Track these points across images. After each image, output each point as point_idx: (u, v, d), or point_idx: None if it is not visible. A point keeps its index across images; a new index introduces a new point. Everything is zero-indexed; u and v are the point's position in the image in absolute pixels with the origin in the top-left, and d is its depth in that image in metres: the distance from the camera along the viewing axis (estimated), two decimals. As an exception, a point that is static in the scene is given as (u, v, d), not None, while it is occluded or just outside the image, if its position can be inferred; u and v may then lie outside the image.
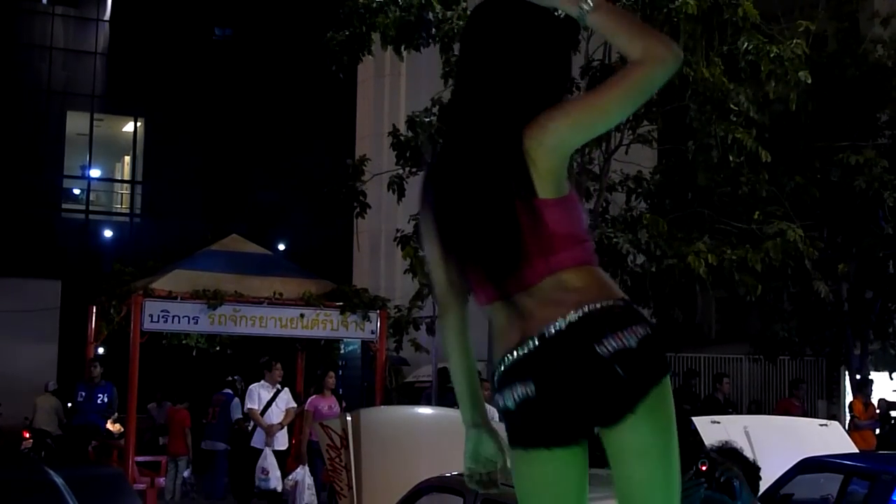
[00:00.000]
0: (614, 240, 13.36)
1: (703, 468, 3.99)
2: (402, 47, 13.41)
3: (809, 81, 13.05)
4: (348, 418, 7.71)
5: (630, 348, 2.50)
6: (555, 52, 2.75)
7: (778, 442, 8.70)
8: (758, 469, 4.29)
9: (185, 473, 15.56)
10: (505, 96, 2.68)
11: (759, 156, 13.22)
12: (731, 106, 13.22)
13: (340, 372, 15.18)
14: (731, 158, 13.40)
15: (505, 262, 2.62)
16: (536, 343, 2.54)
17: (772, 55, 12.91)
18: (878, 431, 15.82)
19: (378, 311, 13.56)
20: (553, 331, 2.53)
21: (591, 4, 2.58)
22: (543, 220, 2.61)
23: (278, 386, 13.03)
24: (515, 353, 2.57)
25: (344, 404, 13.42)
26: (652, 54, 2.54)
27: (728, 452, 4.24)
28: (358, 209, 14.35)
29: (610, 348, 2.49)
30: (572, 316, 2.53)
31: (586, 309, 2.53)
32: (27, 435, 16.41)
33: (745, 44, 13.08)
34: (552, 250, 2.60)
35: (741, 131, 13.10)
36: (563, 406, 2.53)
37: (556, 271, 2.60)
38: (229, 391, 15.29)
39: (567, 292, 2.57)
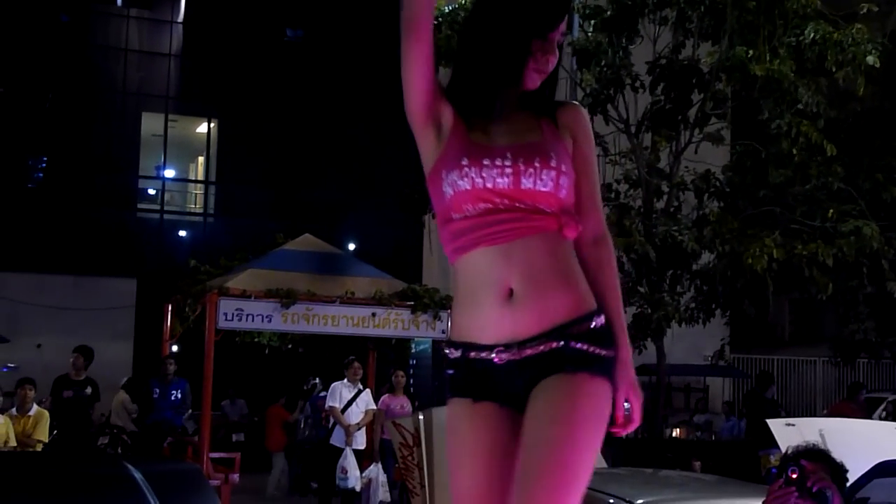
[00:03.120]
0: (679, 238, 13.25)
1: (794, 476, 3.72)
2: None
3: (878, 66, 12.82)
4: (420, 417, 7.75)
5: None
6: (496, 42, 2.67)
7: (854, 445, 8.56)
8: (845, 471, 4.05)
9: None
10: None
11: (825, 149, 13.04)
12: (799, 97, 13.09)
13: (411, 371, 15.25)
14: (793, 152, 13.25)
15: None
16: None
17: (838, 43, 12.73)
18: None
19: (449, 311, 13.57)
20: None
21: None
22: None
23: (360, 386, 13.14)
24: None
25: (417, 403, 13.47)
26: None
27: (816, 455, 3.96)
28: (432, 210, 14.43)
29: None
30: None
31: None
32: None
33: (811, 34, 12.90)
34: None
35: (806, 124, 12.94)
36: None
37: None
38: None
39: None
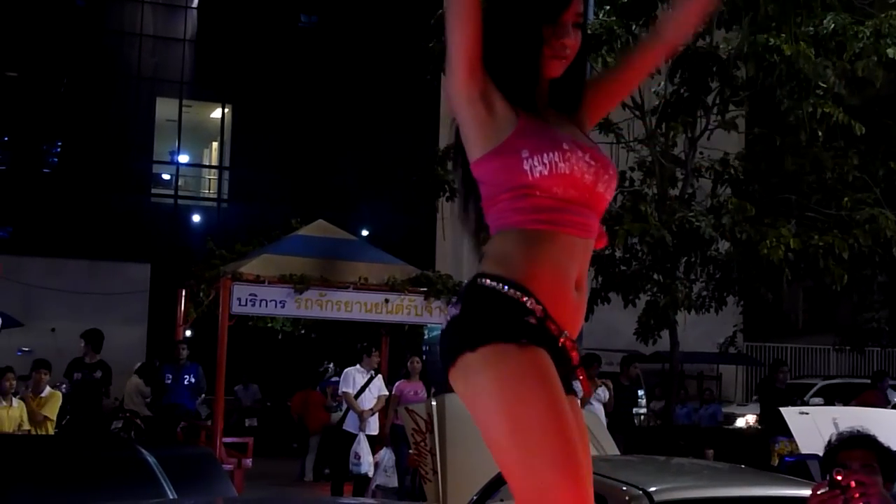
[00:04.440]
0: (696, 224, 13.22)
1: (838, 477, 3.22)
2: None
3: None
4: (433, 403, 7.76)
5: (444, 326, 2.65)
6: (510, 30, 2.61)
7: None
8: (893, 455, 3.61)
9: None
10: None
11: (853, 129, 12.95)
12: (820, 83, 13.00)
13: (424, 357, 15.23)
14: (819, 134, 13.17)
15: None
16: None
17: (860, 35, 12.65)
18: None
19: (461, 298, 13.53)
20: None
21: None
22: (478, 184, 2.65)
23: (373, 372, 13.16)
24: None
25: (433, 389, 13.47)
26: None
27: (861, 441, 3.52)
28: (448, 194, 14.39)
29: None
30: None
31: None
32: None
33: (831, 24, 12.84)
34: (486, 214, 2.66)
35: (830, 105, 12.86)
36: None
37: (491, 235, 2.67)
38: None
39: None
